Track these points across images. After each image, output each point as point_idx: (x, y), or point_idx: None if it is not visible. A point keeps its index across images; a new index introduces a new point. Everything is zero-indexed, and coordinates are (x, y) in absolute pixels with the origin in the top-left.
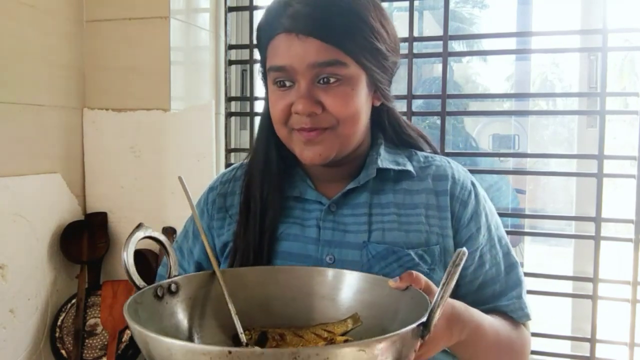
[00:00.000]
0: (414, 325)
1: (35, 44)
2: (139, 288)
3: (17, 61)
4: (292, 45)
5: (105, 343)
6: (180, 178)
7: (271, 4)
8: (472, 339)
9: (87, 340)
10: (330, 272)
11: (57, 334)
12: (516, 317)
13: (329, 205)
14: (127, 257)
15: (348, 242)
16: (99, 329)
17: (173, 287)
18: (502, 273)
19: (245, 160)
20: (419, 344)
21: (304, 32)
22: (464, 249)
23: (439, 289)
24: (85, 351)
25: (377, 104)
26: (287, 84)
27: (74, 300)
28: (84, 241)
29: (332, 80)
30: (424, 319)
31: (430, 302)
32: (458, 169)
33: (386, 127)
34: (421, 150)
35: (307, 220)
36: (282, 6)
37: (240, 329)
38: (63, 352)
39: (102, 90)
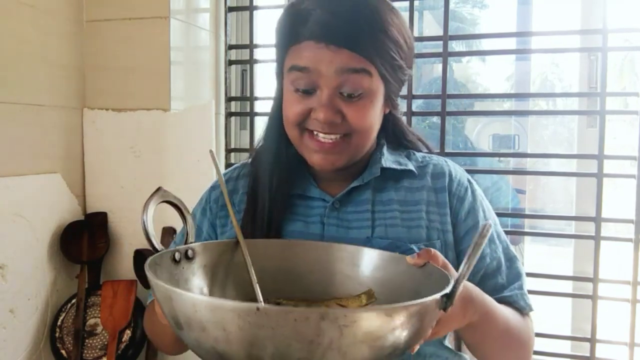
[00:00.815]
0: (438, 295)
1: (35, 44)
2: (157, 251)
3: (17, 61)
4: (321, 53)
5: (105, 343)
6: (211, 151)
7: (290, 6)
8: (482, 322)
9: (87, 340)
10: (347, 248)
11: (57, 334)
12: (519, 307)
13: (332, 202)
14: (147, 220)
15: (352, 239)
16: (99, 329)
17: (190, 252)
18: (503, 266)
19: (248, 160)
20: (439, 317)
21: (336, 43)
22: (489, 221)
23: (464, 260)
24: (85, 351)
25: (387, 112)
26: (310, 90)
27: (74, 300)
28: (84, 241)
29: (355, 94)
30: (447, 290)
31: (452, 278)
32: (455, 167)
33: (390, 132)
34: (419, 151)
35: (311, 217)
36: (304, 12)
37: (260, 297)
38: (63, 352)
39: (102, 90)
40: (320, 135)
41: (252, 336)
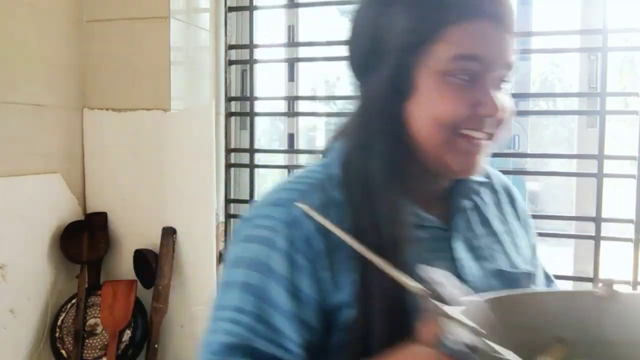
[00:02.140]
0: None
1: (35, 44)
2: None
3: (17, 61)
4: (498, 38)
5: (105, 343)
6: (300, 206)
7: None
8: None
9: (87, 340)
10: (610, 294)
11: (57, 334)
12: None
13: (454, 230)
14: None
15: (490, 273)
16: (99, 329)
17: None
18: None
19: (314, 180)
20: None
21: (509, 28)
22: None
23: None
24: (85, 351)
25: None
26: (472, 81)
27: (74, 300)
28: (84, 241)
29: (505, 83)
30: None
31: None
32: (499, 175)
33: None
34: None
35: (438, 252)
36: None
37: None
38: (63, 352)
39: (102, 90)
40: (476, 133)
41: None
